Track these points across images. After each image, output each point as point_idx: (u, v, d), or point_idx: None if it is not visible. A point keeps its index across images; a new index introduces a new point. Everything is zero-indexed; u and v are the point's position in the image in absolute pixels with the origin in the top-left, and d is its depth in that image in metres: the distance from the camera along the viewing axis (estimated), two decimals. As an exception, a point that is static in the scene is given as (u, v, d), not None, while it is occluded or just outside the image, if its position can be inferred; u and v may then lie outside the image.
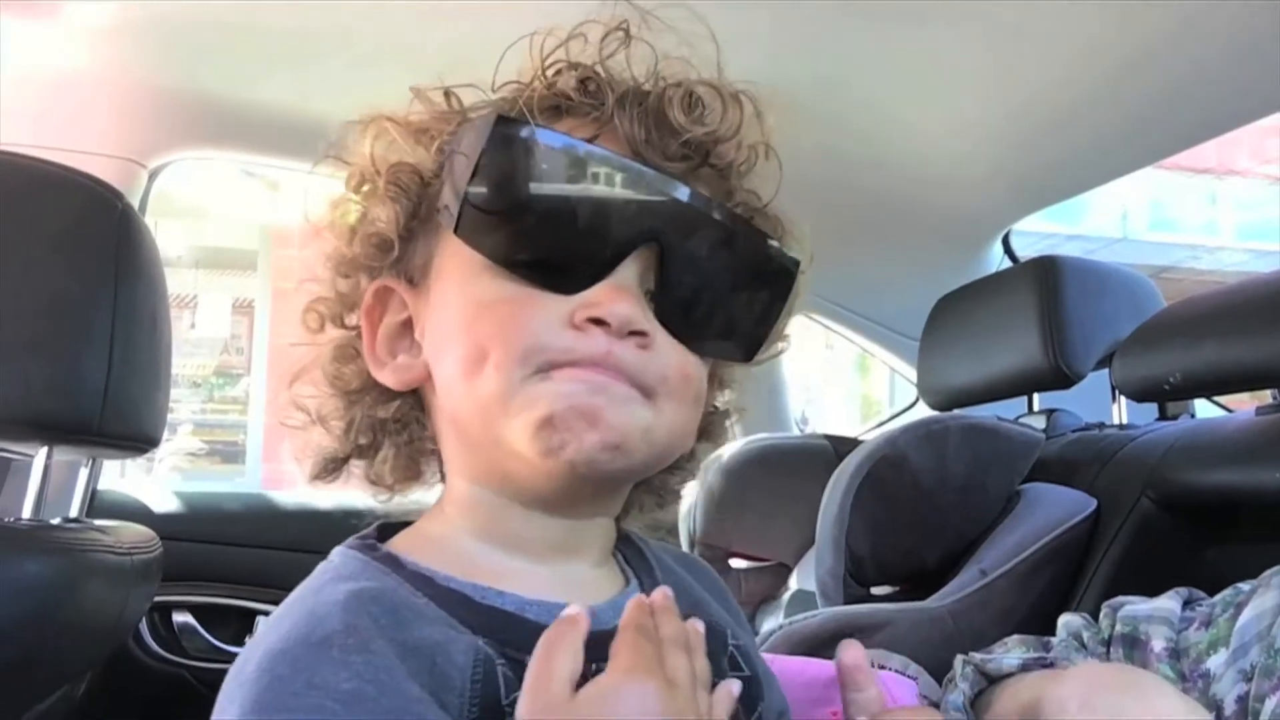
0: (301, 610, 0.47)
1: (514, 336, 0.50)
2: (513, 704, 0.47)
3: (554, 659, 0.45)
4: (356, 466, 0.62)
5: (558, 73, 0.55)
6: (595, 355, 0.50)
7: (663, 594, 0.52)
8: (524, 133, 0.51)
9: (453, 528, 0.57)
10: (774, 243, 0.58)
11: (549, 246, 0.52)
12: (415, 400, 0.60)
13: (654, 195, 0.53)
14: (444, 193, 0.55)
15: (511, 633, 0.50)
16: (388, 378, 0.58)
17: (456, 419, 0.55)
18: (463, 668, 0.48)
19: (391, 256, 0.57)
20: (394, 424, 0.60)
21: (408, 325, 0.58)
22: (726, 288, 0.56)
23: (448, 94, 0.58)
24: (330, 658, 0.44)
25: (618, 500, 0.60)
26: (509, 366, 0.50)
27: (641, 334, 0.51)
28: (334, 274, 0.60)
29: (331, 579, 0.51)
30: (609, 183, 0.52)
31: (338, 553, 0.55)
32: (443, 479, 0.61)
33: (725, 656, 0.61)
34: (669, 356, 0.53)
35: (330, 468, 0.61)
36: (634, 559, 0.63)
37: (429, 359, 0.56)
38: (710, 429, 0.62)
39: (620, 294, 0.51)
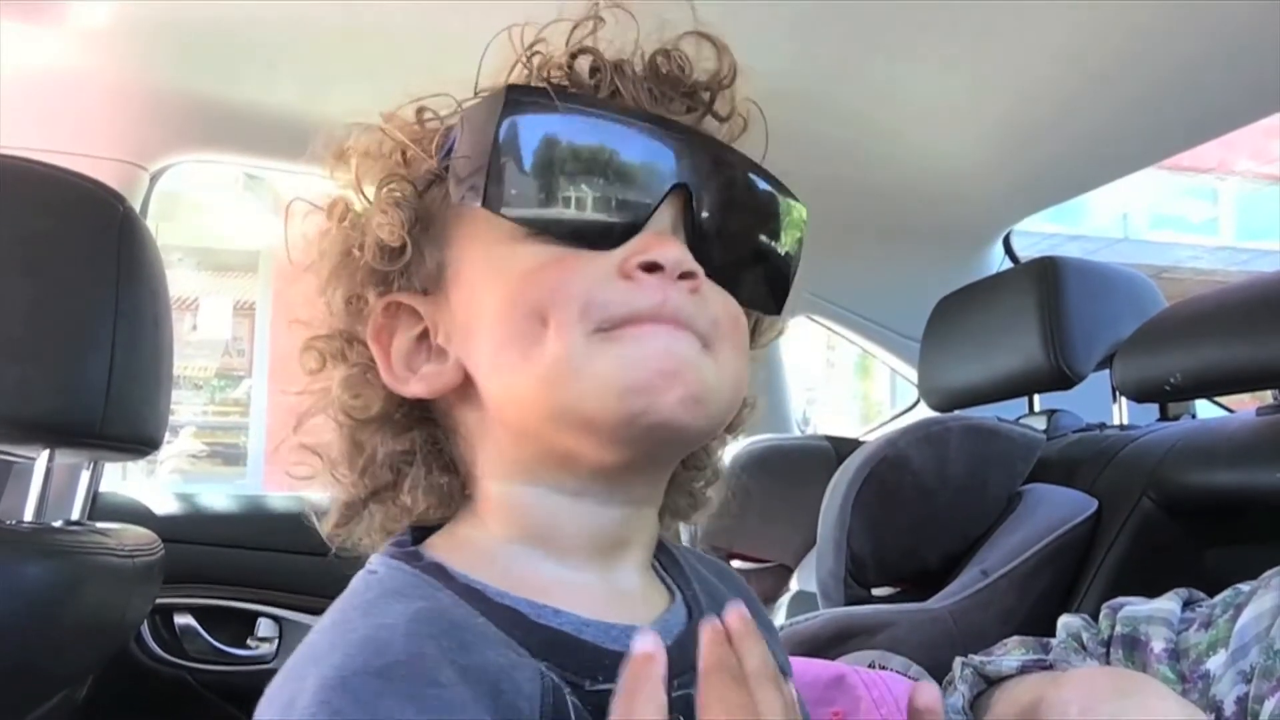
0: (357, 636, 0.44)
1: (569, 295, 0.48)
2: None
3: (636, 711, 0.42)
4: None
5: (543, 59, 0.55)
6: (653, 306, 0.49)
7: (739, 616, 0.48)
8: (539, 97, 0.51)
9: (488, 533, 0.54)
10: (781, 188, 0.58)
11: (583, 205, 0.51)
12: (430, 424, 0.57)
13: (675, 141, 0.53)
14: (453, 182, 0.53)
15: (571, 657, 0.48)
16: (417, 388, 0.55)
17: (509, 402, 0.51)
18: (530, 697, 0.45)
19: (402, 262, 0.55)
20: (417, 454, 0.56)
21: (423, 338, 0.56)
22: (752, 229, 0.57)
23: (420, 111, 0.57)
24: (395, 690, 0.41)
25: (664, 481, 0.58)
26: (570, 326, 0.48)
27: (692, 275, 0.50)
28: (337, 301, 0.57)
29: (380, 595, 0.48)
30: (630, 136, 0.52)
31: (380, 562, 0.52)
32: (463, 493, 0.57)
33: None
34: (716, 300, 0.53)
35: (349, 514, 0.58)
36: (670, 567, 0.61)
37: (463, 355, 0.53)
38: (733, 420, 0.59)
39: (664, 239, 0.51)
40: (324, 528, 0.58)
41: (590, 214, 0.51)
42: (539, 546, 0.53)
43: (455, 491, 0.57)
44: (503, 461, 0.54)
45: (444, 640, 0.44)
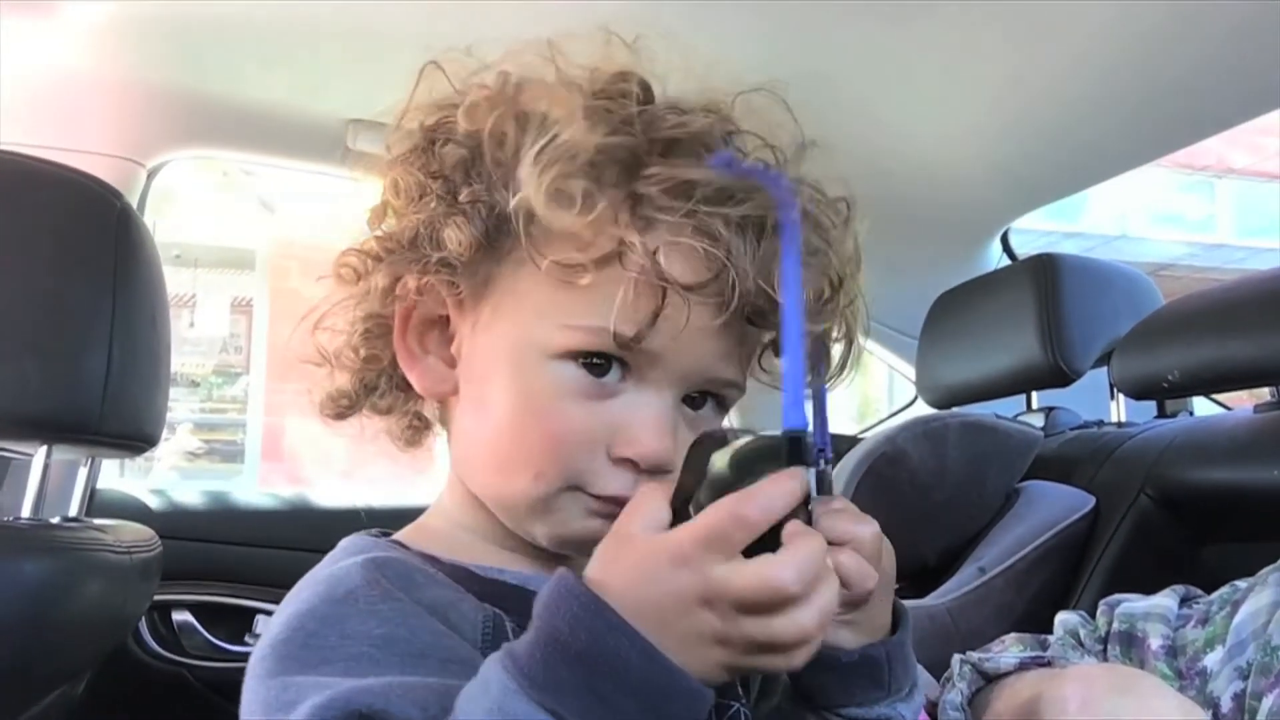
0: (319, 579, 0.50)
1: (559, 460, 0.52)
2: None
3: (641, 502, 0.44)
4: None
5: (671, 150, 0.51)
6: (621, 492, 0.51)
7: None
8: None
9: (454, 524, 0.58)
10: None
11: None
12: None
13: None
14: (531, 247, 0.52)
15: (513, 600, 0.52)
16: (416, 379, 0.58)
17: (475, 484, 0.57)
18: (473, 622, 0.50)
19: (452, 273, 0.54)
20: (414, 390, 0.60)
21: (445, 320, 0.57)
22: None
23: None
24: (358, 609, 0.46)
25: None
26: (549, 483, 0.52)
27: (665, 469, 0.52)
28: (376, 246, 0.57)
29: (343, 554, 0.53)
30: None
31: (345, 540, 0.56)
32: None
33: None
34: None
35: (344, 411, 0.61)
36: None
37: (462, 390, 0.57)
38: None
39: (659, 431, 0.52)
40: (316, 411, 0.62)
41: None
42: (496, 542, 0.57)
43: (424, 438, 0.63)
44: (466, 475, 0.58)
45: (396, 579, 0.49)
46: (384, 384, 0.61)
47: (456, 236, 0.53)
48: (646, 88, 0.53)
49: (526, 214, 0.50)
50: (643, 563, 0.41)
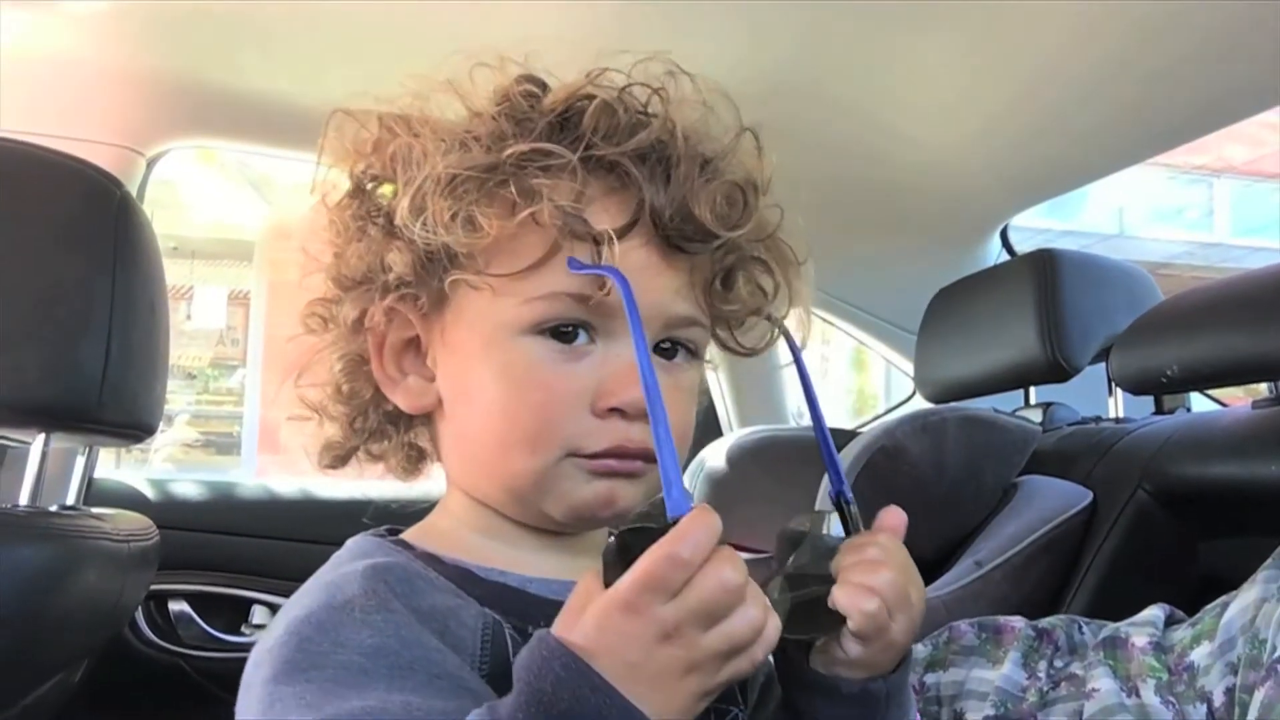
0: (322, 584, 0.51)
1: (549, 426, 0.54)
2: None
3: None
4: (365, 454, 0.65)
5: (565, 114, 0.55)
6: (614, 444, 0.54)
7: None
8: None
9: (458, 523, 0.60)
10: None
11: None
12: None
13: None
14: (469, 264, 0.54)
15: (513, 603, 0.54)
16: (400, 399, 0.60)
17: (475, 471, 0.58)
18: (473, 629, 0.51)
19: (409, 287, 0.57)
20: (402, 420, 0.62)
21: (416, 340, 0.59)
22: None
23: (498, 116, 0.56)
24: (353, 619, 0.48)
25: None
26: (545, 453, 0.54)
27: None
28: (334, 288, 0.60)
29: (348, 557, 0.55)
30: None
31: (352, 540, 0.58)
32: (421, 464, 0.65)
33: None
34: (673, 414, 0.54)
35: (340, 459, 0.64)
36: None
37: (444, 396, 0.58)
38: None
39: (635, 375, 0.51)
40: (315, 464, 0.64)
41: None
42: (500, 540, 0.58)
43: (422, 466, 0.65)
44: (463, 479, 0.60)
45: (397, 585, 0.51)
46: (373, 420, 0.63)
47: (400, 259, 0.55)
48: (543, 84, 0.57)
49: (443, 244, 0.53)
50: (600, 618, 0.43)
